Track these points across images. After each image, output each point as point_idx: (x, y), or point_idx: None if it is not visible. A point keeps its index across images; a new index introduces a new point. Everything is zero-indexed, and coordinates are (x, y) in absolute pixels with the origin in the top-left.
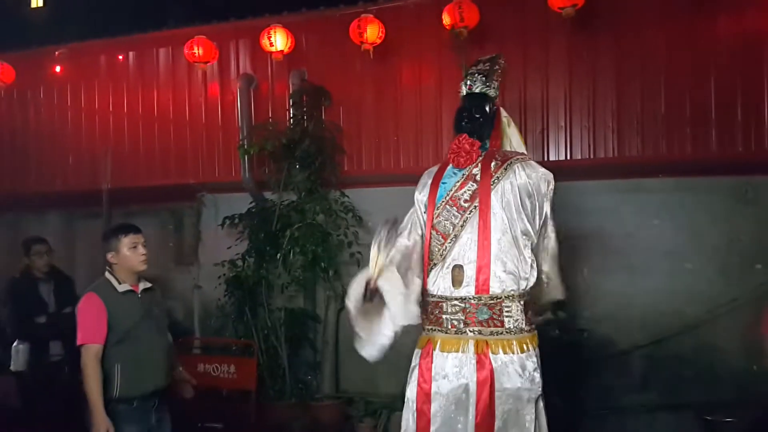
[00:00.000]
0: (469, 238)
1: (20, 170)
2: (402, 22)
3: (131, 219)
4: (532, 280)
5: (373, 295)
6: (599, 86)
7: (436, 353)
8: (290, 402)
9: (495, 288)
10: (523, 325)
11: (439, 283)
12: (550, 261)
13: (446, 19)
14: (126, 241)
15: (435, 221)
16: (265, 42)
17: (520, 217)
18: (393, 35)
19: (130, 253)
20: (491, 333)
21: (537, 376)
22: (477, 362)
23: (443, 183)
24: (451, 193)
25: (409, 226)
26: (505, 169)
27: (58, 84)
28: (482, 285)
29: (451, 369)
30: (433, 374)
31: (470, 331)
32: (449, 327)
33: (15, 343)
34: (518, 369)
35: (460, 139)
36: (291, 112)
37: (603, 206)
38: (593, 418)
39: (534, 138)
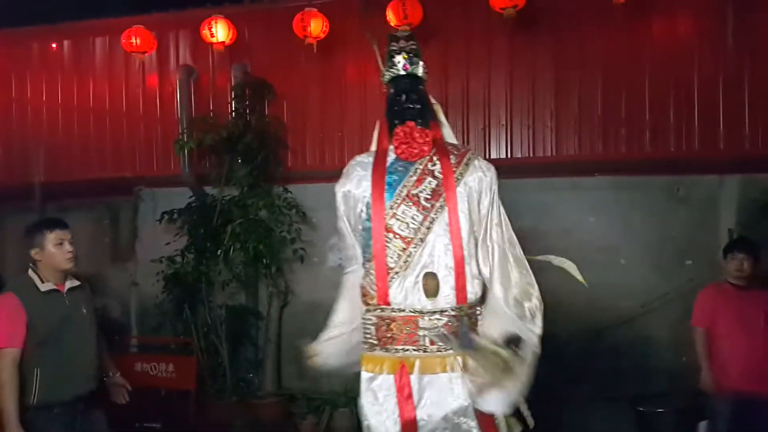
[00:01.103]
0: (439, 241)
1: None
2: (346, 18)
3: (65, 214)
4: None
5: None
6: (539, 86)
7: (415, 377)
8: (231, 400)
9: (470, 295)
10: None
11: (408, 295)
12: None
13: (390, 16)
14: (51, 237)
15: (389, 222)
16: (206, 33)
17: (480, 215)
18: (337, 30)
19: (55, 250)
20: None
21: None
22: (463, 383)
23: (392, 177)
24: (407, 190)
25: (351, 246)
26: (466, 164)
27: None
28: (460, 293)
29: (438, 393)
30: (416, 402)
31: (454, 348)
32: (428, 345)
33: None
34: None
35: (409, 127)
36: (233, 105)
37: (541, 203)
38: (531, 409)
39: (476, 135)
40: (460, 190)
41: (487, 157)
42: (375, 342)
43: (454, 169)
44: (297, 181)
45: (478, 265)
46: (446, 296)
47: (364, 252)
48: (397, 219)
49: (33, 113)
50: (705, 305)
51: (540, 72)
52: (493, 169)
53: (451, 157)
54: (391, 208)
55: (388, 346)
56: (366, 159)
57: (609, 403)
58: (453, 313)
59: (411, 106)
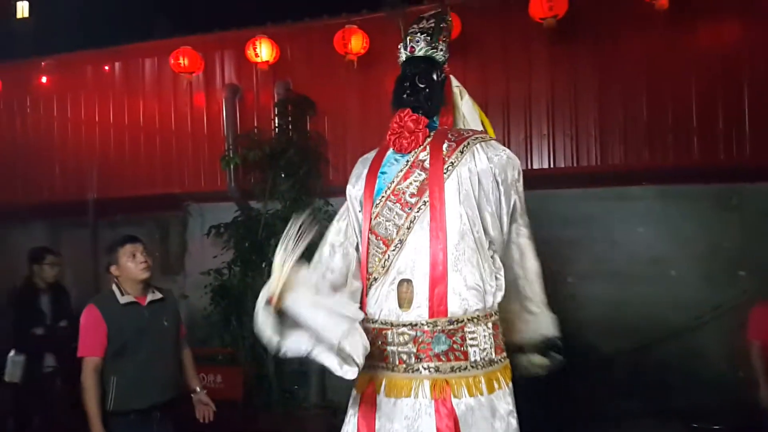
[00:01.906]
0: (418, 243)
1: (7, 181)
2: (386, 33)
3: (117, 229)
4: (501, 295)
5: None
6: (581, 95)
7: (381, 399)
8: (277, 411)
9: (455, 308)
10: (493, 355)
11: (382, 304)
12: (531, 284)
13: None
14: (123, 252)
15: (373, 222)
16: (250, 52)
17: (483, 213)
18: (377, 46)
19: (129, 263)
20: (452, 369)
21: (513, 422)
22: (435, 411)
23: (382, 173)
24: (393, 185)
25: (341, 233)
26: (461, 151)
27: (44, 95)
28: (438, 305)
29: (400, 421)
30: (377, 428)
31: (424, 368)
32: (396, 363)
33: (11, 354)
34: (487, 415)
35: (402, 115)
36: (276, 121)
37: (587, 214)
38: (577, 426)
39: (517, 146)
40: (451, 183)
41: (529, 167)
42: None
43: (445, 157)
44: (338, 194)
45: (479, 272)
46: (419, 308)
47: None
48: (382, 218)
49: (87, 132)
50: (763, 318)
51: (582, 80)
52: (506, 155)
53: (445, 144)
54: (376, 206)
55: (367, 361)
56: (371, 154)
57: (659, 419)
58: (425, 328)
59: (406, 94)
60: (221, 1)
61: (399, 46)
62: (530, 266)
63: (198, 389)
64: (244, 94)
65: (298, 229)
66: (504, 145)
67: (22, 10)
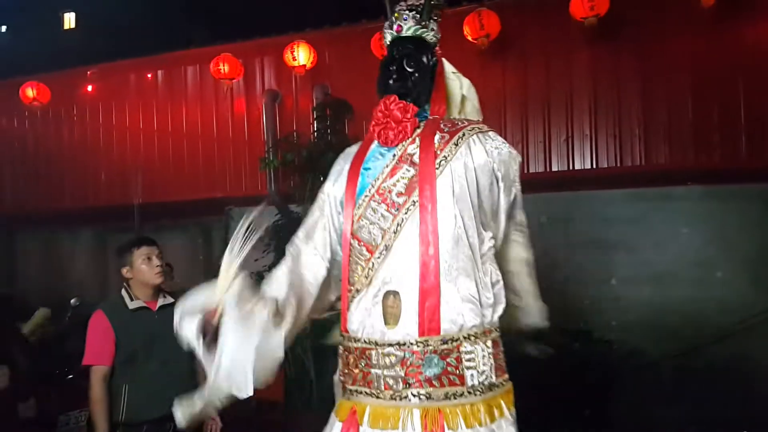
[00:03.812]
0: (406, 249)
1: (55, 188)
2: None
3: (161, 234)
4: (501, 308)
5: (210, 335)
6: (624, 94)
7: (365, 430)
8: (318, 413)
9: (448, 325)
10: (494, 378)
11: (365, 320)
12: (522, 274)
13: (467, 30)
14: (139, 254)
15: (356, 226)
16: (288, 57)
17: (480, 213)
18: None
19: (144, 266)
20: (446, 396)
21: None
22: None
23: (366, 169)
24: (378, 183)
25: (314, 237)
26: (456, 144)
27: (90, 102)
28: (429, 321)
29: None
30: None
31: (413, 395)
32: (381, 388)
33: None
34: None
35: (387, 102)
36: (314, 125)
37: (630, 215)
38: (620, 430)
39: (558, 146)
40: (444, 180)
41: (571, 167)
42: (342, 379)
43: (437, 151)
44: None
45: (476, 282)
46: (408, 324)
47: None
48: (365, 221)
49: (132, 139)
50: None
51: (625, 80)
52: (507, 148)
53: (437, 135)
54: (359, 207)
55: (347, 386)
56: (352, 149)
57: (705, 426)
58: (414, 348)
59: (392, 79)
60: (260, 9)
61: (384, 26)
62: (522, 257)
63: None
64: (284, 98)
65: (246, 230)
66: (546, 145)
67: (69, 21)
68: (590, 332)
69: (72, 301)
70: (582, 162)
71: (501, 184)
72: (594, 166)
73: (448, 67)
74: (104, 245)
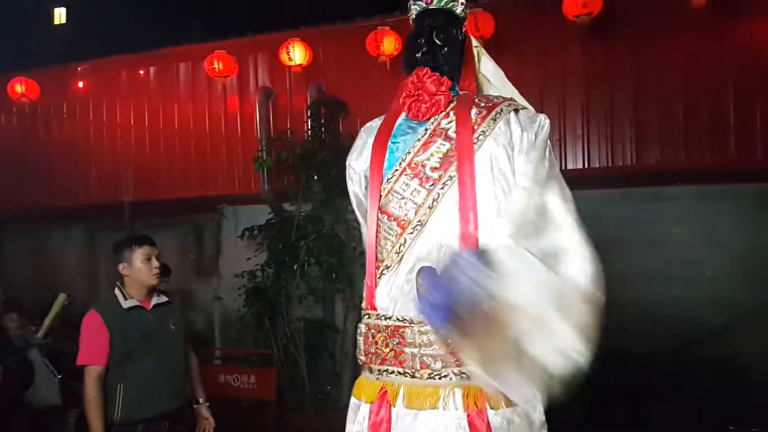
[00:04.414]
0: (444, 225)
1: (46, 184)
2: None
3: (152, 231)
4: None
5: None
6: (617, 94)
7: (399, 411)
8: (310, 412)
9: None
10: None
11: (397, 297)
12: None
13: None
14: (139, 253)
15: (383, 201)
16: (283, 55)
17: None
18: None
19: (143, 266)
20: None
21: None
22: (469, 425)
23: (394, 143)
24: (410, 157)
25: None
26: (494, 119)
27: (81, 99)
28: None
29: None
30: None
31: (455, 374)
32: (417, 367)
33: None
34: (525, 427)
35: (421, 74)
36: (309, 123)
37: (622, 215)
38: (614, 429)
39: (551, 146)
40: (482, 156)
41: (563, 167)
42: (363, 359)
43: (475, 126)
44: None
45: None
46: None
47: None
48: (395, 195)
49: (123, 136)
50: None
51: (617, 80)
52: (541, 121)
53: (474, 110)
54: (388, 181)
55: (372, 366)
56: (375, 123)
57: (697, 421)
58: None
59: (422, 52)
60: (254, 5)
61: (409, 3)
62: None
63: (201, 401)
64: (278, 96)
65: None
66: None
67: (60, 16)
68: None
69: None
70: (574, 162)
71: (525, 152)
72: (586, 166)
73: (474, 42)
74: (94, 243)
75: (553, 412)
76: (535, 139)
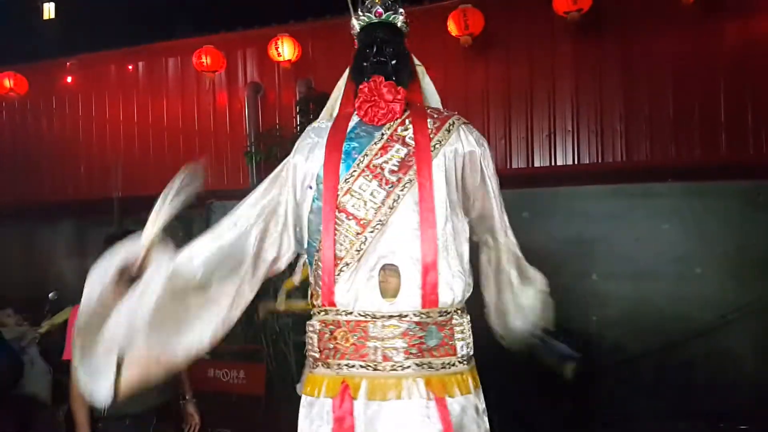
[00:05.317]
0: (405, 224)
1: (34, 180)
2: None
3: (142, 226)
4: (471, 287)
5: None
6: (606, 90)
7: (361, 403)
8: (299, 407)
9: (445, 298)
10: (471, 351)
11: (360, 293)
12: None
13: (451, 26)
14: None
15: (341, 200)
16: (272, 51)
17: (462, 198)
18: None
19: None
20: (443, 365)
21: (486, 420)
22: (438, 412)
23: (351, 144)
24: (367, 159)
25: (256, 212)
26: (447, 130)
27: (69, 94)
28: (430, 294)
29: (390, 428)
30: None
31: (417, 365)
32: (380, 360)
33: None
34: (475, 415)
35: (377, 81)
36: (297, 119)
37: (611, 211)
38: (602, 426)
39: (541, 142)
40: (438, 162)
41: (553, 163)
42: (317, 355)
43: (431, 135)
44: None
45: (459, 260)
46: (409, 297)
47: (313, 240)
48: (353, 195)
49: (111, 131)
50: None
51: (607, 76)
52: (486, 142)
53: (429, 120)
54: (346, 181)
55: (330, 361)
56: (323, 124)
57: (684, 419)
58: (416, 319)
59: (383, 59)
60: (243, 0)
61: (359, 11)
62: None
63: (188, 397)
64: (266, 92)
65: (181, 182)
66: (528, 141)
67: (49, 11)
68: (570, 327)
69: (50, 295)
70: (564, 158)
71: (483, 177)
72: (576, 162)
73: (413, 59)
74: (83, 238)
75: (542, 409)
76: (484, 154)
